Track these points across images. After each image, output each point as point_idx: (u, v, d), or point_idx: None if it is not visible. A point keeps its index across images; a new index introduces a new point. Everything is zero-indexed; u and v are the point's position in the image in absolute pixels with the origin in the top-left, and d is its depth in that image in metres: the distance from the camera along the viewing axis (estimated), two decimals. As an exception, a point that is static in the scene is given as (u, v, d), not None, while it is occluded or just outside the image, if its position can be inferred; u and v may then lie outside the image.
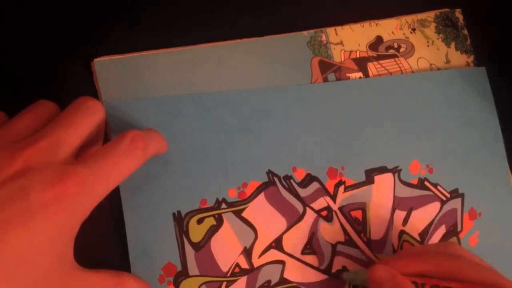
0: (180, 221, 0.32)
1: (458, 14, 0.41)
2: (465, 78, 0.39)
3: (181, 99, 0.33)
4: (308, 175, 0.34)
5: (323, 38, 0.37)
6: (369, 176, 0.36)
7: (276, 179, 0.34)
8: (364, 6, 0.39)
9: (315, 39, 0.37)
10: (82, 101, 0.26)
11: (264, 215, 0.33)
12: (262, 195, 0.33)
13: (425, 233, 0.37)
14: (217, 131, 0.33)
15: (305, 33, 0.36)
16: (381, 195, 0.36)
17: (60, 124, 0.25)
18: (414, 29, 0.39)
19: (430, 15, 0.40)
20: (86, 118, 0.26)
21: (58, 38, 0.32)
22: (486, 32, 0.41)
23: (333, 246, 0.34)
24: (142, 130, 0.27)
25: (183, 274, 0.31)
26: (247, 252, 0.33)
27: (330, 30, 0.37)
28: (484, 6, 0.42)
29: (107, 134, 0.31)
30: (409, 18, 0.39)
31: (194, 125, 0.33)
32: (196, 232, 0.32)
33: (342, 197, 0.35)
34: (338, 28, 0.37)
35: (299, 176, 0.34)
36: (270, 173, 0.34)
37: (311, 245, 0.34)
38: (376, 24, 0.38)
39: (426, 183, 0.37)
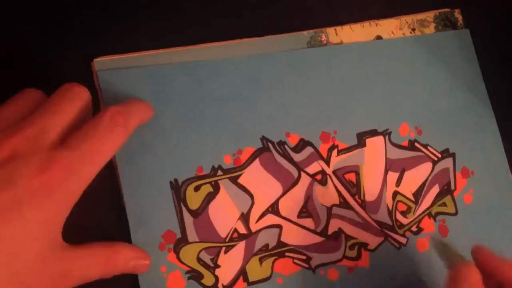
0: (177, 189, 0.32)
1: (458, 14, 0.41)
2: (450, 40, 0.40)
3: (173, 68, 0.33)
4: (302, 140, 0.35)
5: (323, 38, 0.37)
6: (361, 140, 0.36)
7: (270, 144, 0.34)
8: (364, 6, 0.39)
9: (315, 39, 0.37)
10: (67, 87, 0.26)
11: (259, 181, 0.34)
12: (257, 161, 0.34)
13: (418, 193, 0.37)
14: (210, 98, 0.33)
15: (305, 33, 0.37)
16: (373, 157, 0.37)
17: (45, 111, 0.25)
18: (413, 29, 0.40)
19: (429, 15, 0.40)
20: (72, 104, 0.26)
21: (59, 38, 0.32)
22: (485, 32, 0.42)
23: (329, 209, 0.35)
24: (121, 105, 0.27)
25: (183, 241, 0.32)
26: (245, 218, 0.33)
27: (330, 30, 0.37)
28: (483, 7, 0.42)
29: (100, 104, 0.32)
30: (409, 18, 0.40)
31: (187, 94, 0.33)
32: (194, 199, 0.32)
33: (336, 160, 0.36)
34: (338, 28, 0.38)
35: (292, 141, 0.35)
36: (264, 139, 0.34)
37: (307, 209, 0.35)
38: (376, 24, 0.39)
39: (416, 144, 0.38)
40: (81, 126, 0.26)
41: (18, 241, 0.22)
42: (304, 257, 0.34)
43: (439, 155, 0.38)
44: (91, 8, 0.33)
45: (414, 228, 0.37)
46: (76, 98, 0.26)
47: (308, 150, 0.35)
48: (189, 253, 0.32)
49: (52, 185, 0.23)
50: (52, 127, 0.25)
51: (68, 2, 0.33)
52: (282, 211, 0.34)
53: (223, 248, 0.32)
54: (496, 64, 0.41)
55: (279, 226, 0.34)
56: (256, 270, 0.33)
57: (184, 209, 0.32)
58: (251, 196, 0.33)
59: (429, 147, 0.38)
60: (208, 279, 0.32)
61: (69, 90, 0.26)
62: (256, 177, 0.34)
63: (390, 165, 0.37)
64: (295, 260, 0.34)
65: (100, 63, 0.32)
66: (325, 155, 0.35)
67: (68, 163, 0.23)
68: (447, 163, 0.38)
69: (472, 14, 0.42)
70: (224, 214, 0.33)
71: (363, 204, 0.36)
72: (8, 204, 0.22)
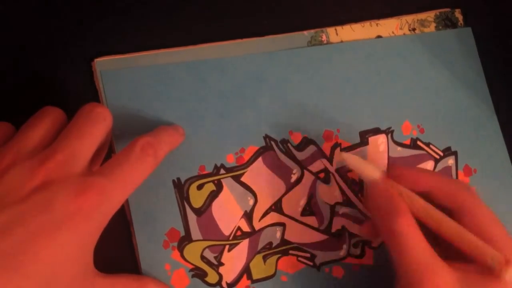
0: (181, 188, 0.32)
1: (458, 14, 0.42)
2: (452, 38, 0.40)
3: (174, 66, 0.33)
4: (305, 138, 0.35)
5: (324, 38, 0.37)
6: (364, 138, 0.37)
7: (273, 143, 0.34)
8: (364, 6, 0.39)
9: (316, 39, 0.37)
10: (90, 109, 0.27)
11: (263, 179, 0.34)
12: (260, 160, 0.34)
13: (420, 191, 0.37)
14: (213, 97, 0.33)
15: (305, 33, 0.37)
16: (375, 155, 0.37)
17: (73, 135, 0.25)
18: (414, 29, 0.40)
19: (430, 15, 0.41)
20: (97, 126, 0.26)
21: (59, 38, 0.32)
22: (486, 32, 0.42)
23: (332, 207, 0.35)
24: (152, 134, 0.28)
25: (187, 239, 0.32)
26: (248, 216, 0.33)
27: (331, 30, 0.38)
28: (484, 6, 0.42)
29: (101, 102, 0.32)
30: (409, 18, 0.40)
31: (190, 93, 0.33)
32: (197, 198, 0.32)
33: (339, 159, 0.36)
34: (339, 28, 0.38)
35: (295, 139, 0.35)
36: (267, 137, 0.34)
37: (310, 207, 0.35)
38: (377, 24, 0.39)
39: (418, 142, 0.38)
40: (106, 147, 0.27)
41: (57, 265, 0.23)
42: (308, 255, 0.34)
43: (441, 153, 0.38)
44: (92, 8, 0.33)
45: (416, 226, 0.37)
46: (100, 120, 0.26)
47: (311, 148, 0.35)
48: (193, 251, 0.32)
49: (88, 210, 0.23)
50: (81, 152, 0.25)
51: (68, 2, 0.33)
52: (286, 209, 0.34)
53: (227, 246, 0.32)
54: (498, 63, 0.41)
55: (283, 224, 0.34)
56: (260, 268, 0.33)
57: (187, 207, 0.32)
58: (254, 194, 0.33)
59: (431, 146, 0.38)
60: (212, 277, 0.32)
61: (92, 112, 0.26)
62: (259, 176, 0.34)
63: (392, 163, 0.37)
64: (300, 258, 0.34)
65: (101, 63, 0.32)
66: (328, 153, 0.36)
67: (102, 189, 0.24)
68: (449, 161, 0.39)
69: (473, 13, 0.42)
70: (227, 212, 0.33)
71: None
72: (48, 228, 0.22)
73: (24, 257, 0.22)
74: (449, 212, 0.29)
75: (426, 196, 0.30)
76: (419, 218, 0.29)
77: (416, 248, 0.27)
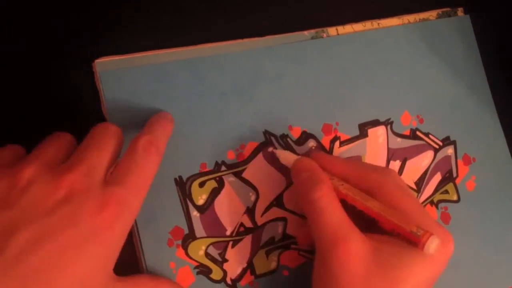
0: (182, 186, 0.32)
1: (460, 13, 0.41)
2: (450, 27, 0.40)
3: (173, 64, 0.33)
4: (304, 132, 0.35)
5: (324, 37, 0.37)
6: (363, 130, 0.37)
7: (273, 138, 0.35)
8: (365, 5, 0.39)
9: (316, 38, 0.37)
10: (105, 126, 0.27)
11: (263, 175, 0.34)
12: (260, 155, 0.34)
13: (420, 182, 0.38)
14: (212, 94, 0.33)
15: (306, 33, 0.37)
16: (375, 147, 0.37)
17: (92, 147, 0.26)
18: None
19: (432, 14, 0.40)
20: (112, 141, 0.27)
21: (60, 39, 0.32)
22: (488, 30, 0.41)
23: (333, 200, 0.35)
24: (148, 131, 0.28)
25: (191, 236, 0.32)
26: (250, 212, 0.33)
27: (332, 30, 0.37)
28: (486, 5, 0.42)
29: (101, 105, 0.32)
30: (411, 17, 0.40)
31: (189, 90, 0.33)
32: (199, 195, 0.33)
33: (338, 152, 0.36)
34: (340, 27, 0.38)
35: (295, 134, 0.35)
36: (266, 133, 0.34)
37: (311, 201, 0.35)
38: (378, 24, 0.39)
39: (418, 133, 0.38)
40: (119, 162, 0.27)
41: (84, 278, 0.23)
42: (309, 249, 0.34)
43: (441, 143, 0.39)
44: (92, 9, 0.33)
45: (417, 216, 0.37)
46: (115, 136, 0.27)
47: (311, 142, 0.35)
48: (197, 249, 0.32)
49: (111, 221, 0.24)
50: (101, 163, 0.25)
51: (68, 3, 0.33)
52: (287, 204, 0.34)
53: (230, 243, 0.33)
54: (496, 52, 0.41)
55: (284, 219, 0.34)
56: (263, 263, 0.33)
57: (190, 205, 0.32)
58: (256, 190, 0.34)
59: (430, 135, 0.38)
60: (216, 274, 0.32)
61: (107, 129, 0.27)
62: (260, 171, 0.34)
63: (392, 154, 0.37)
64: (300, 252, 0.34)
65: (101, 64, 0.32)
66: (327, 146, 0.36)
67: (121, 198, 0.24)
68: (449, 150, 0.39)
69: (474, 12, 0.41)
70: (229, 208, 0.33)
71: (366, 194, 0.36)
72: (75, 242, 0.23)
73: (54, 271, 0.22)
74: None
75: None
76: (343, 197, 0.30)
77: (332, 214, 0.28)
